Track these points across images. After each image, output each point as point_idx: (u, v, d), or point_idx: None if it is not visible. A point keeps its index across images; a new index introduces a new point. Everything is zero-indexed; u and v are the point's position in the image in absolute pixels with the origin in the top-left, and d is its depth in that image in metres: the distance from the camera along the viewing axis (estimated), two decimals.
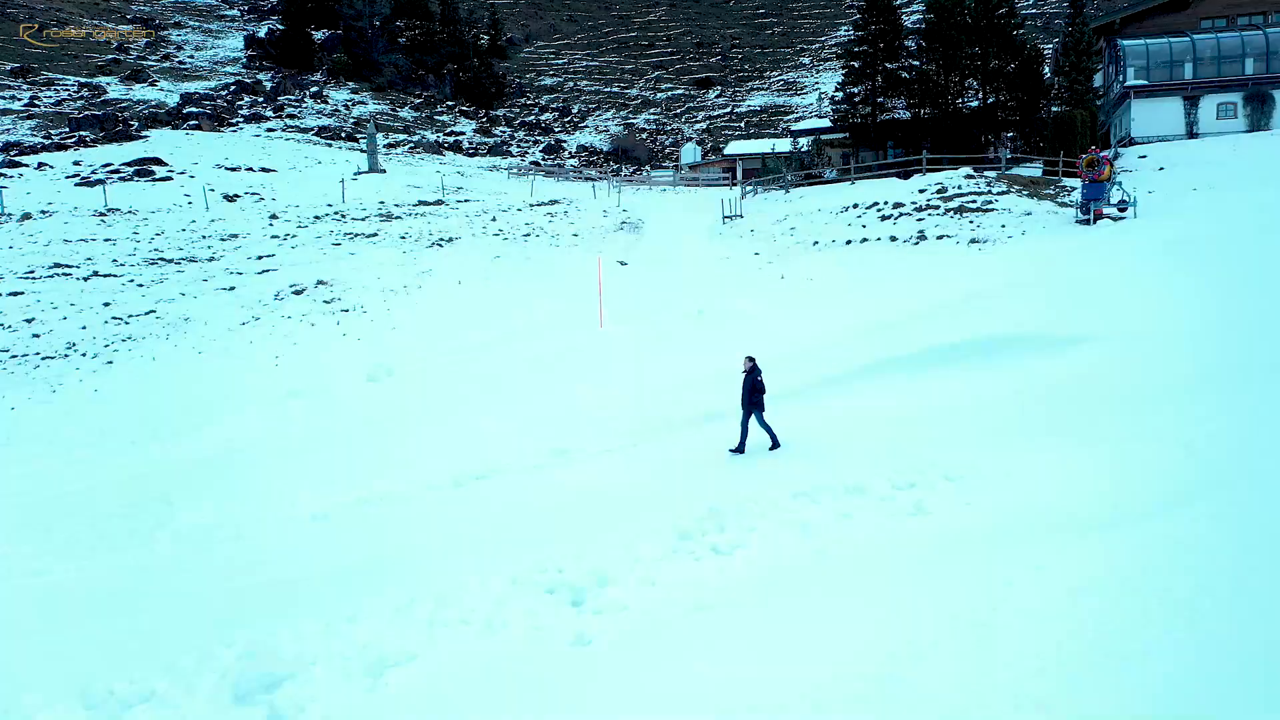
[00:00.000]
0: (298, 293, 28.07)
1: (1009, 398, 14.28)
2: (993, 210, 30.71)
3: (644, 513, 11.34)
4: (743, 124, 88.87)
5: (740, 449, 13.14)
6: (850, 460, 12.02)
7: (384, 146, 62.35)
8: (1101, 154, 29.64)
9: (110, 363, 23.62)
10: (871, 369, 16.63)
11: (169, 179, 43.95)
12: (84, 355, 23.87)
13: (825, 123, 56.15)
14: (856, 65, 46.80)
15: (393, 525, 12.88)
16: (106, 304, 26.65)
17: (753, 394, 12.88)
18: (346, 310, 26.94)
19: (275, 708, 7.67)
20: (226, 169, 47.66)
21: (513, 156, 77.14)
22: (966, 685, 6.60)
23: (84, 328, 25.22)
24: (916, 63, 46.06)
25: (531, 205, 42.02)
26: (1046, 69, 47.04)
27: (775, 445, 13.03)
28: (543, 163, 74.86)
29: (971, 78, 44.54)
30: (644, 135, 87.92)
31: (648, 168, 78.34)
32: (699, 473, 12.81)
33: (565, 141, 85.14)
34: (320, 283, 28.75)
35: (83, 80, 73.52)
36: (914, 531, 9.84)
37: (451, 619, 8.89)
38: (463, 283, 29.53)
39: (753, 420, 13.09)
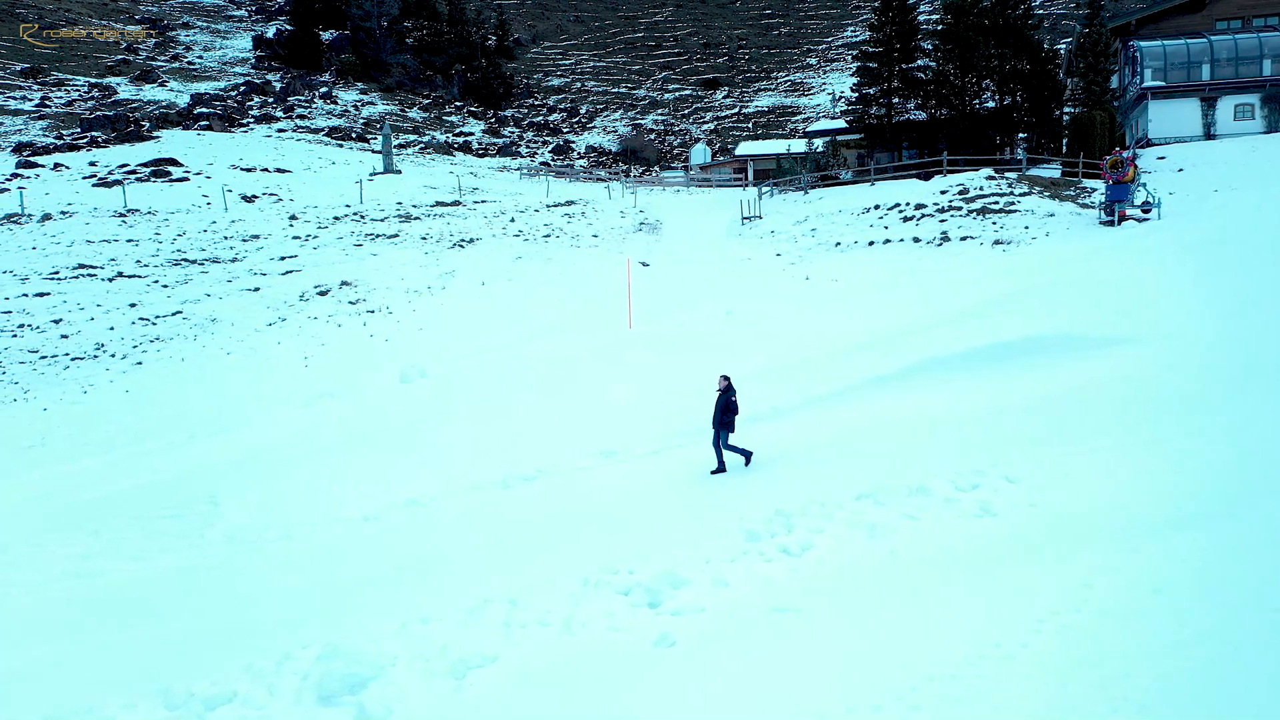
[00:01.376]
0: (322, 293, 28.09)
1: (1057, 399, 14.29)
2: (1015, 211, 30.73)
3: (704, 514, 11.35)
4: (750, 125, 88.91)
5: (720, 468, 13.07)
6: (907, 461, 12.02)
7: (395, 147, 62.35)
8: (1125, 155, 29.65)
9: (140, 363, 23.65)
10: (915, 370, 16.64)
11: (186, 179, 43.97)
12: (113, 356, 23.89)
13: (837, 123, 56.16)
14: (872, 66, 46.81)
15: (445, 526, 12.90)
16: (133, 305, 26.68)
17: (724, 413, 12.83)
18: (372, 311, 26.96)
19: (364, 708, 7.68)
20: (242, 169, 47.67)
21: (522, 157, 77.19)
22: (1059, 686, 6.61)
23: (111, 328, 25.25)
24: (932, 63, 46.07)
25: (548, 206, 42.04)
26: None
27: (748, 463, 13.07)
28: (552, 163, 74.90)
29: (988, 78, 44.54)
30: (652, 136, 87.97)
31: (657, 168, 78.36)
32: (752, 474, 12.82)
33: (574, 142, 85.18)
34: (344, 283, 28.77)
35: (93, 80, 73.58)
36: (982, 533, 9.84)
37: (528, 620, 8.89)
38: (486, 283, 29.55)
39: (732, 437, 13.09)
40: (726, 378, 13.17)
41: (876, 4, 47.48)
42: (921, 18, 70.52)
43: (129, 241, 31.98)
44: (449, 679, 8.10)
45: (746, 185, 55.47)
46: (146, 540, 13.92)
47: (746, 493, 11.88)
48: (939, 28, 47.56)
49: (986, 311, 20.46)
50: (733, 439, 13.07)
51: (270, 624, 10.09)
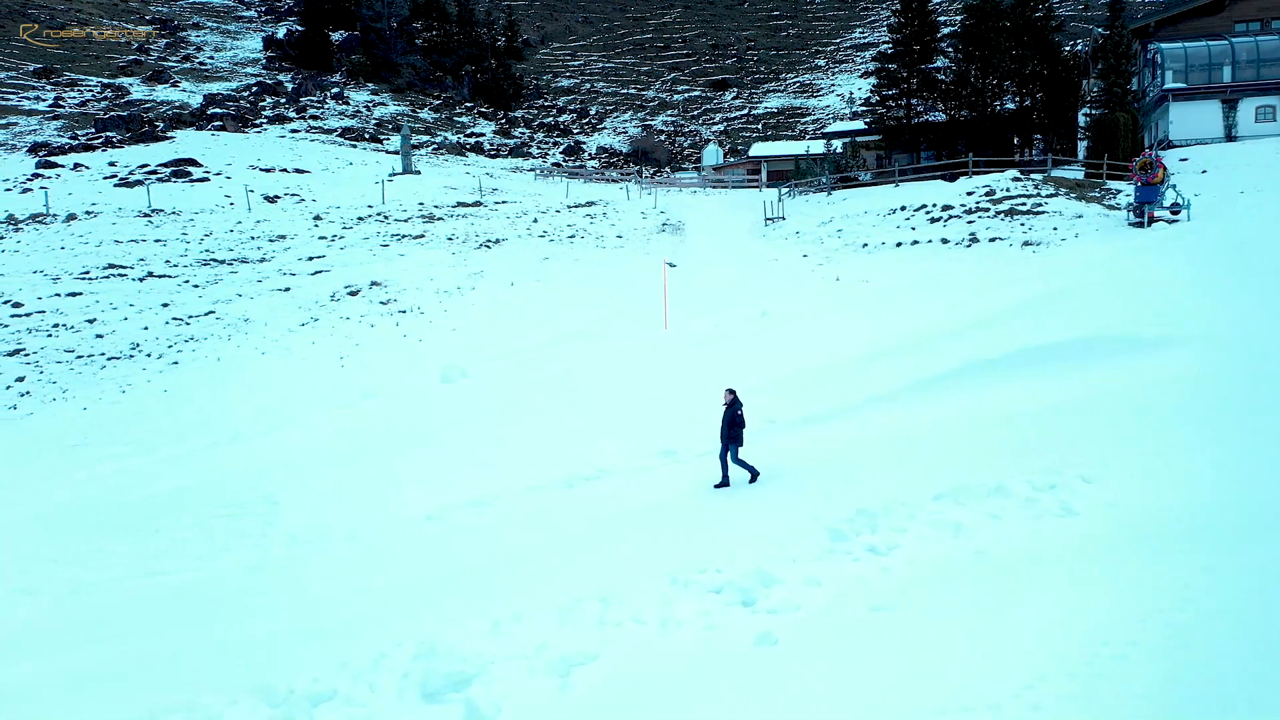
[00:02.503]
0: (353, 294, 28.13)
1: (1111, 399, 14.31)
2: (1043, 213, 30.77)
3: (779, 513, 11.36)
4: (760, 126, 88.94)
5: (724, 483, 12.91)
6: (977, 461, 12.03)
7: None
8: (1154, 155, 29.68)
9: (175, 363, 23.68)
10: (963, 371, 16.65)
11: (206, 180, 44.03)
12: (149, 355, 23.92)
13: (854, 124, 56.19)
14: (891, 67, 46.86)
15: (513, 525, 12.90)
16: (165, 304, 26.72)
17: (731, 427, 12.69)
18: (404, 311, 26.99)
19: (472, 705, 7.69)
20: (260, 170, 47.74)
21: (534, 158, 77.25)
22: (1173, 684, 6.63)
23: (145, 328, 25.28)
24: (951, 65, 46.12)
25: (569, 207, 42.09)
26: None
27: (753, 480, 12.88)
28: (564, 164, 74.96)
29: (1008, 80, 44.59)
30: (662, 137, 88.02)
31: (668, 169, 78.40)
32: (823, 473, 12.83)
33: (584, 143, 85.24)
34: (374, 284, 28.81)
35: (105, 81, 73.68)
36: (1066, 532, 9.85)
37: (623, 618, 8.91)
38: (515, 284, 29.58)
39: (740, 452, 12.94)
40: (732, 391, 13.01)
41: (896, 5, 47.48)
42: (941, 18, 70.50)
43: (156, 241, 32.02)
44: (553, 677, 8.11)
45: (762, 187, 55.48)
46: (207, 540, 13.94)
47: (818, 492, 11.88)
48: (959, 29, 47.60)
49: (1030, 311, 20.47)
50: (742, 453, 12.92)
51: (354, 622, 10.10)
